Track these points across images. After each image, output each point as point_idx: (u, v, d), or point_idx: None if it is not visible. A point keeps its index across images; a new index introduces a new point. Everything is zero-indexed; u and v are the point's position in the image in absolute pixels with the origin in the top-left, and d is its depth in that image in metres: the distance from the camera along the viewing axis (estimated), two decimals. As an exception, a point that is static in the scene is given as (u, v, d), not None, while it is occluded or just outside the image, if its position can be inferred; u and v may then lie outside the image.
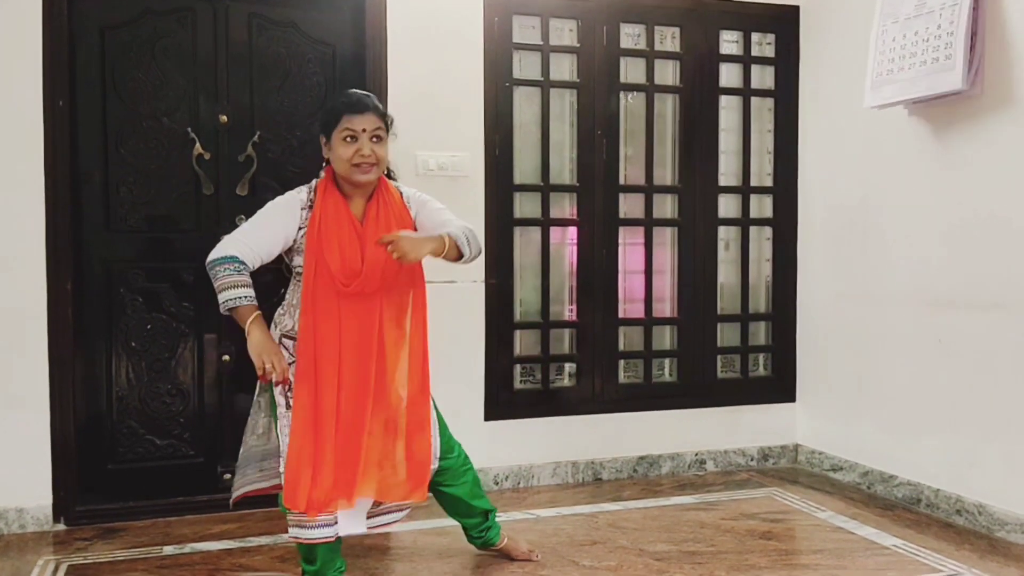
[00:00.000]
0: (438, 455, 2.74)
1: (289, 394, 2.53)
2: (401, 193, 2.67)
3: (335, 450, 2.49)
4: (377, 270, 2.48)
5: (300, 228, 2.53)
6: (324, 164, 2.64)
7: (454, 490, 2.82)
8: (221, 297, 2.45)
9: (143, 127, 3.53)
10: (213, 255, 2.49)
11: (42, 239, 3.30)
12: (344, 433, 2.50)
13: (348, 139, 2.49)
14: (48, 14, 3.29)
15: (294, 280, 2.61)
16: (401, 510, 2.83)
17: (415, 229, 2.60)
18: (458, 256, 2.54)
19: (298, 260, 2.55)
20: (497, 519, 3.00)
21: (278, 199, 2.61)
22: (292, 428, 2.49)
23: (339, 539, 2.64)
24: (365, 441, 2.52)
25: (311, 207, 2.54)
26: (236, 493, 2.73)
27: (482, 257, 3.69)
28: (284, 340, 2.59)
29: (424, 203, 2.67)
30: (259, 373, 2.47)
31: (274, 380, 2.48)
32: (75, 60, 3.42)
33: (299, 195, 2.58)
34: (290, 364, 2.53)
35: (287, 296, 2.65)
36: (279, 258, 2.63)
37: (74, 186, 3.40)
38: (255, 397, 2.72)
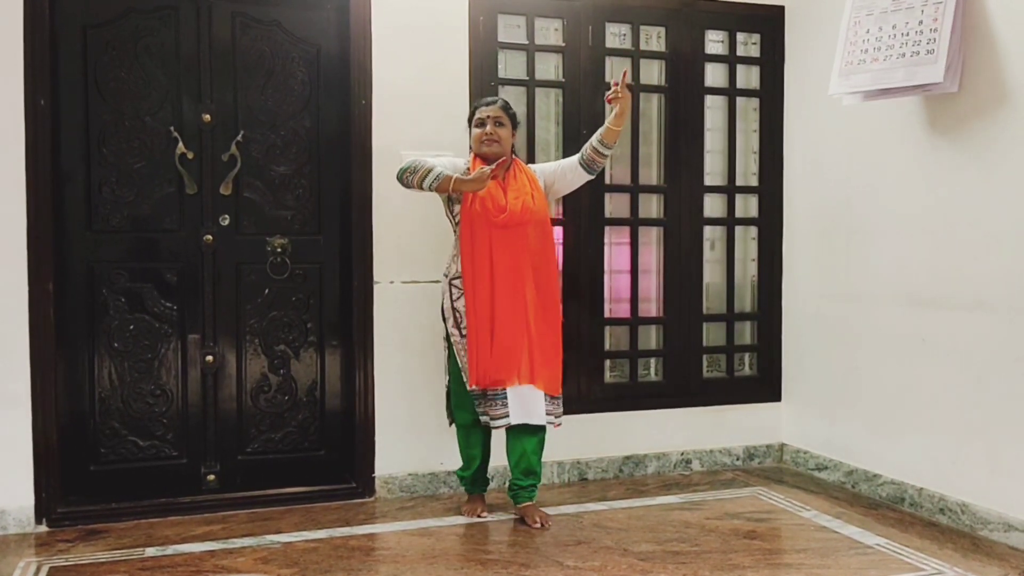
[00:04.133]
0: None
1: (462, 325, 3.32)
2: (531, 168, 3.47)
3: (495, 343, 3.26)
4: (518, 208, 3.25)
5: None
6: (470, 148, 3.43)
7: (525, 438, 3.38)
8: (426, 182, 3.18)
9: (126, 126, 3.51)
10: (403, 166, 3.24)
11: (23, 239, 3.27)
12: (501, 330, 3.26)
13: (478, 124, 3.34)
14: (30, 12, 3.25)
15: (455, 232, 3.35)
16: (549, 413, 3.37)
17: (544, 192, 3.40)
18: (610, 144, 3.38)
19: (457, 208, 3.31)
20: (533, 492, 3.44)
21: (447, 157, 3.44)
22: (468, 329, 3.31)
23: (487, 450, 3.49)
24: (518, 337, 3.27)
25: (468, 169, 3.31)
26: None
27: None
28: (453, 282, 3.34)
29: (543, 168, 3.49)
30: (491, 178, 3.20)
31: (490, 172, 3.19)
32: (57, 59, 3.40)
33: (460, 160, 3.40)
34: (458, 298, 3.32)
35: (452, 249, 3.39)
36: None
37: (56, 186, 3.38)
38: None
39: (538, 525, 3.33)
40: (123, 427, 3.56)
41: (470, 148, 3.42)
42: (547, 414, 3.35)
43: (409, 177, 3.20)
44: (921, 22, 3.28)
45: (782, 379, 4.36)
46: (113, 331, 3.53)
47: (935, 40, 3.23)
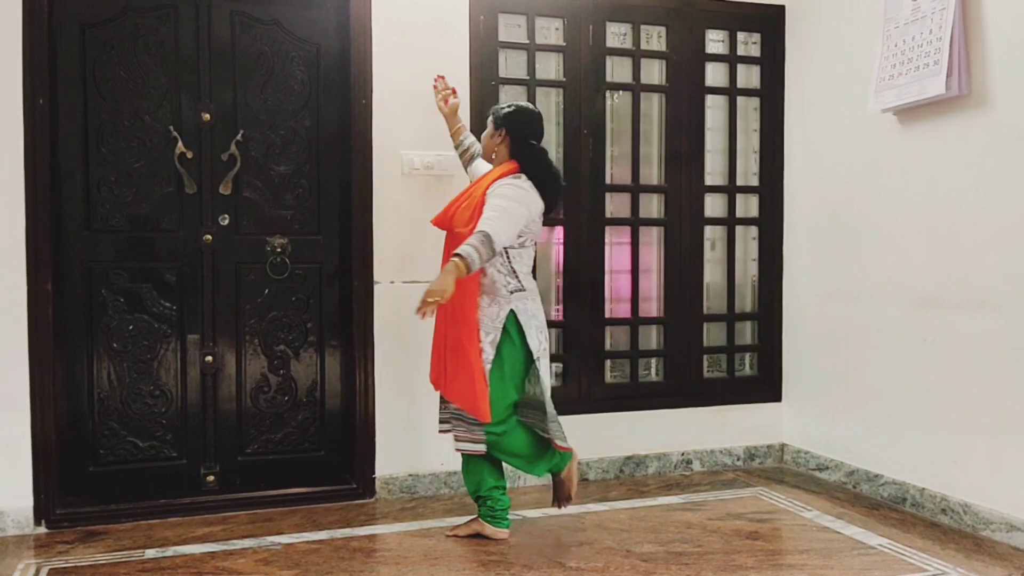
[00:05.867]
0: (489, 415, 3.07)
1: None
2: (501, 178, 3.09)
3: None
4: (447, 213, 3.12)
5: None
6: None
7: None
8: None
9: (124, 126, 3.49)
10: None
11: (22, 239, 3.25)
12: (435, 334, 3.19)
13: None
14: (28, 11, 3.24)
15: None
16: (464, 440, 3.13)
17: (483, 203, 3.01)
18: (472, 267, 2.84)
19: None
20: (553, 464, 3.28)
21: None
22: None
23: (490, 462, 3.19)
24: (437, 343, 3.18)
25: None
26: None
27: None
28: None
29: (492, 191, 3.04)
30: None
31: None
32: (56, 58, 3.38)
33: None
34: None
35: None
36: None
37: (54, 185, 3.36)
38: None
39: (557, 505, 3.33)
40: (122, 428, 3.54)
41: None
42: (454, 434, 3.12)
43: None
44: (931, 31, 3.30)
45: (783, 379, 4.35)
46: (112, 331, 3.51)
47: (940, 50, 3.24)
